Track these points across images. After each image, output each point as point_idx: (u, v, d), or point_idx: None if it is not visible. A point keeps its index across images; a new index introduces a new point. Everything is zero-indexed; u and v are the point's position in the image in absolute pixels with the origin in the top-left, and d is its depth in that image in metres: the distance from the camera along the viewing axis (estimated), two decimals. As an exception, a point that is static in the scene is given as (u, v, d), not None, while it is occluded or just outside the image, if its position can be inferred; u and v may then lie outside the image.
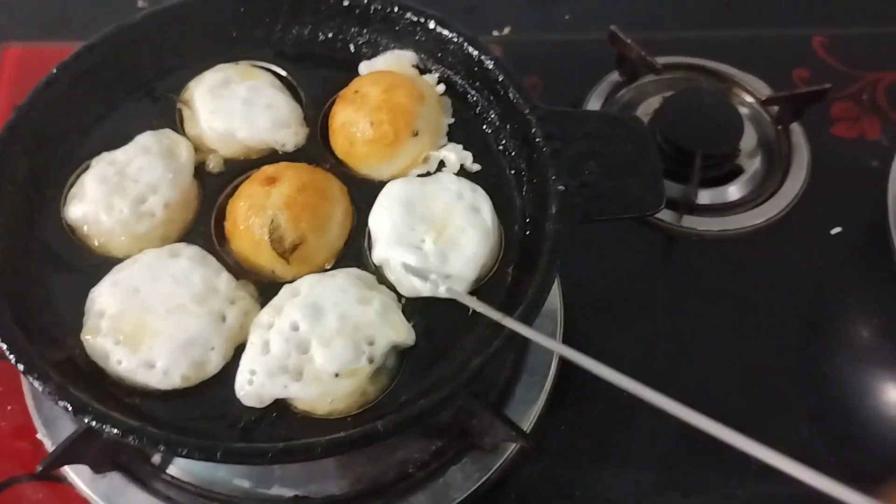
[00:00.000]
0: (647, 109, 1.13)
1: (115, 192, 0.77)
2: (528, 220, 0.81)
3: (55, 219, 0.79)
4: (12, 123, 0.78)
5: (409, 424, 0.66)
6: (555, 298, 0.95)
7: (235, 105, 0.83)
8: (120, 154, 0.80)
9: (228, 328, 0.72)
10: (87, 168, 0.81)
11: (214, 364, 0.71)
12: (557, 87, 1.17)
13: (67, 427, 0.83)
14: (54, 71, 0.81)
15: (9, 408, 0.88)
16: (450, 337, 0.74)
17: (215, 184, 0.82)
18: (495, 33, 1.30)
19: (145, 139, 0.81)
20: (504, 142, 0.85)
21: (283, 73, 0.90)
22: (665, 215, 1.02)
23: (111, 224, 0.77)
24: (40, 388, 0.66)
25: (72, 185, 0.80)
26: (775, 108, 1.12)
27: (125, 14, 0.88)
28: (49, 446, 0.84)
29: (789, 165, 1.08)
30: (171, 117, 0.86)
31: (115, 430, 0.64)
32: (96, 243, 0.78)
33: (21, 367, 0.66)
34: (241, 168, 0.83)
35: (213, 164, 0.83)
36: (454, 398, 0.68)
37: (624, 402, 0.91)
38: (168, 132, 0.83)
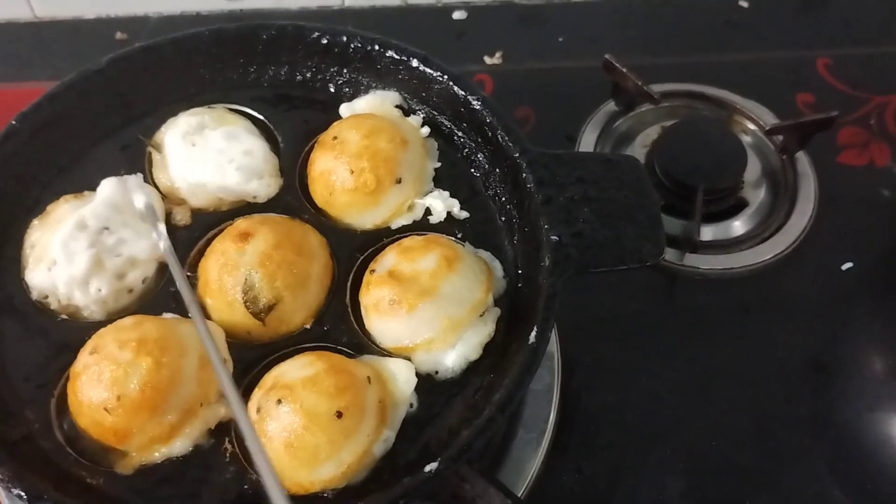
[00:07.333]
0: (645, 140, 1.08)
1: (94, 268, 0.71)
2: (520, 272, 0.76)
3: (13, 280, 0.74)
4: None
5: (393, 505, 0.61)
6: (551, 346, 0.90)
7: (210, 154, 0.78)
8: (86, 210, 0.74)
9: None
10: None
11: None
12: (551, 118, 1.12)
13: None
14: (13, 123, 0.77)
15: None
16: (441, 401, 0.70)
17: (184, 239, 0.77)
18: (487, 60, 1.25)
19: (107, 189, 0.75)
20: (494, 186, 0.80)
21: (260, 116, 0.85)
22: (666, 254, 0.97)
23: (86, 302, 0.72)
24: (-7, 475, 0.61)
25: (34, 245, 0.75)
26: (779, 137, 1.07)
27: (104, 49, 0.83)
28: (14, 519, 0.78)
29: (796, 197, 1.03)
30: (139, 166, 0.81)
31: (73, 520, 0.59)
32: (63, 314, 0.73)
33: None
34: (211, 221, 0.78)
35: (181, 217, 0.78)
36: (442, 475, 0.63)
37: (628, 458, 0.87)
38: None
